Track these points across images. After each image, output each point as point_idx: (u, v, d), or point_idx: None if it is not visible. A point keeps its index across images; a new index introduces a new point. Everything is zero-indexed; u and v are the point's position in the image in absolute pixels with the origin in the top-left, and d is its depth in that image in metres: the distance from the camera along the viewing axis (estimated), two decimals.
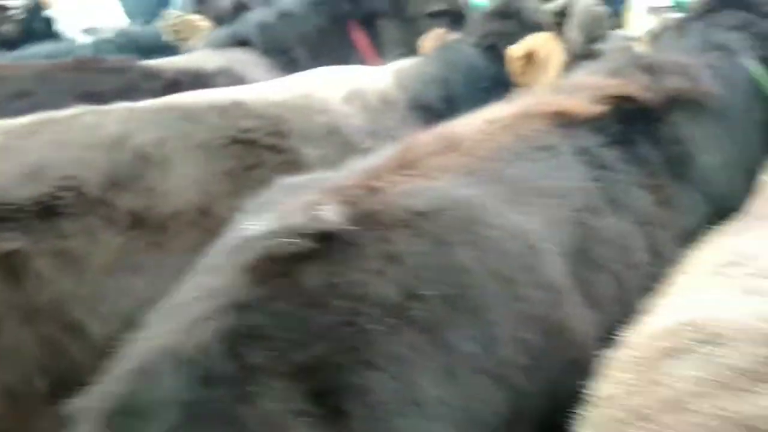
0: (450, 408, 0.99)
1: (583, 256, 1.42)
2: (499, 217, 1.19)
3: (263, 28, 3.35)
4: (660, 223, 1.67)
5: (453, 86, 2.64)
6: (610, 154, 1.70)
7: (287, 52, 3.30)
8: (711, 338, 0.80)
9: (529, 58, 2.59)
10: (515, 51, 2.59)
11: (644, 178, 1.72)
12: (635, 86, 1.86)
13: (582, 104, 1.76)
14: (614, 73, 1.93)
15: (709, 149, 1.92)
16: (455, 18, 3.38)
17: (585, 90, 1.83)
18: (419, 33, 3.17)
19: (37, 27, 4.93)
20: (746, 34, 2.27)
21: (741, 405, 0.71)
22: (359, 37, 3.37)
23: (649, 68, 1.95)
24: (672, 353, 0.85)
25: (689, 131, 1.89)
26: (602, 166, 1.65)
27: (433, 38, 3.01)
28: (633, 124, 1.79)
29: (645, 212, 1.66)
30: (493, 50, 2.78)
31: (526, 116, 1.67)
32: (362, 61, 3.26)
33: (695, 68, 2.03)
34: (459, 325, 1.05)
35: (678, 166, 1.83)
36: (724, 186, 1.90)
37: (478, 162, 1.37)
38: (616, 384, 0.86)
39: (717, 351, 0.78)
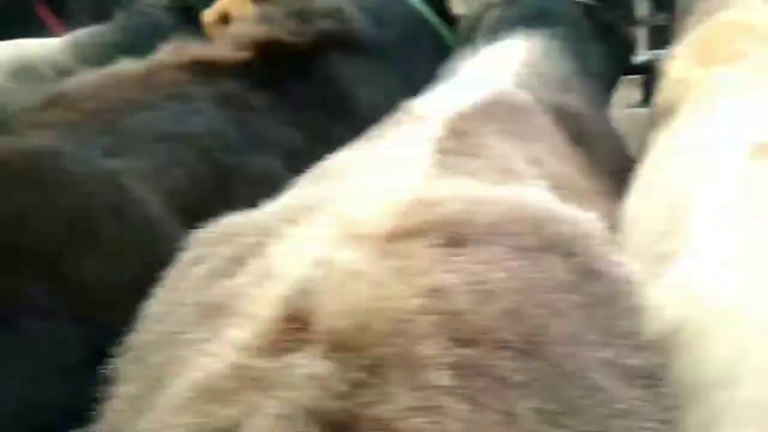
0: None
1: (223, 194, 1.44)
2: (84, 164, 1.16)
3: None
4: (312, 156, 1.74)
5: (136, 52, 2.54)
6: (256, 97, 1.73)
7: None
8: None
9: (224, 20, 2.56)
10: (209, 14, 2.54)
11: (294, 117, 1.77)
12: (283, 31, 1.91)
13: (225, 52, 1.77)
14: (263, 20, 1.96)
15: (366, 86, 2.03)
16: None
17: (230, 38, 1.84)
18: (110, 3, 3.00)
19: None
20: None
21: None
22: (43, 11, 3.12)
23: (299, 13, 2.01)
24: None
25: (342, 70, 1.98)
26: (246, 109, 1.68)
27: None
28: (280, 67, 1.84)
29: (295, 148, 1.71)
30: (189, 13, 2.71)
31: (162, 67, 1.64)
32: (50, 35, 3.02)
33: (347, 10, 2.13)
34: None
35: (333, 104, 1.91)
36: None
37: (84, 115, 1.31)
38: None
39: None
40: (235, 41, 1.85)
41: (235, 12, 2.50)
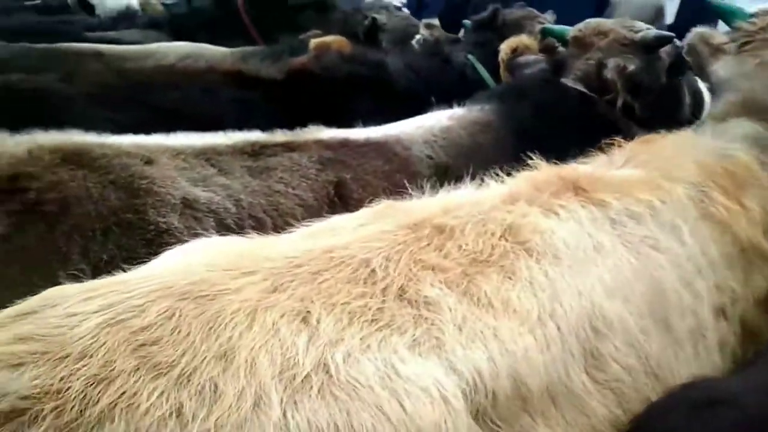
0: None
1: None
2: None
3: (173, 17, 4.31)
4: None
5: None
6: (269, 105, 2.51)
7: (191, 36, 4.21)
8: None
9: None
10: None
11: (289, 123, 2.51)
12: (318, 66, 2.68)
13: (269, 70, 2.60)
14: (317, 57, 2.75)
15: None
16: (320, 9, 4.23)
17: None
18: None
19: None
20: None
21: None
22: (250, 28, 4.26)
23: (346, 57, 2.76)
24: None
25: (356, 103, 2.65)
26: (259, 111, 2.47)
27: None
28: (302, 89, 2.60)
29: None
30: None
31: (219, 71, 2.51)
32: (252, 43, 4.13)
33: (388, 64, 2.82)
34: None
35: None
36: None
37: None
38: None
39: None
40: (287, 66, 2.66)
41: (335, 45, 3.29)
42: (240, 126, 2.07)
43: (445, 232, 1.24)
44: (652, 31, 2.52)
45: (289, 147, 1.77)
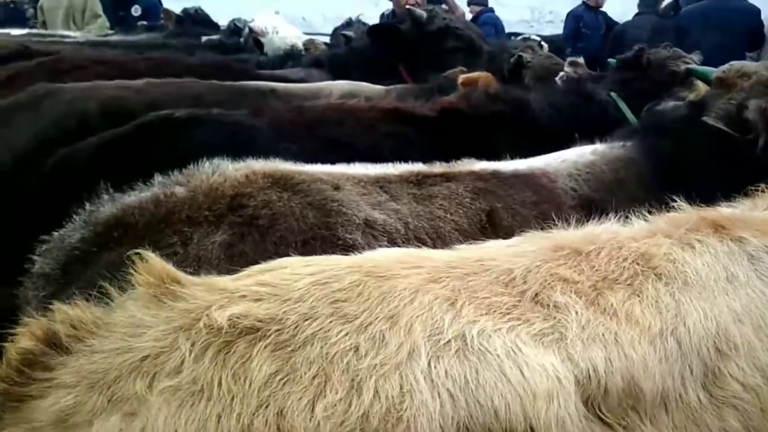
0: None
1: None
2: None
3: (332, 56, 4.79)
4: None
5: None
6: (422, 139, 2.79)
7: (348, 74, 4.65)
8: None
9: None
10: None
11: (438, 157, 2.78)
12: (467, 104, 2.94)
13: (422, 107, 2.89)
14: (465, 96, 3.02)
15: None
16: (469, 53, 4.51)
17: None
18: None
19: None
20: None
21: None
22: (402, 69, 4.64)
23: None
24: None
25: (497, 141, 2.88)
26: (409, 145, 2.76)
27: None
28: (452, 126, 2.86)
29: None
30: None
31: (376, 107, 2.84)
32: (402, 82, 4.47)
33: (531, 103, 3.03)
34: None
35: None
36: None
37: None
38: None
39: None
40: (437, 104, 2.95)
41: (482, 81, 3.53)
42: (396, 158, 2.36)
43: (581, 254, 1.44)
44: None
45: (446, 177, 2.03)
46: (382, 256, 1.39)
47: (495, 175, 2.12)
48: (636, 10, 8.52)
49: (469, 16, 11.23)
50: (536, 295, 1.33)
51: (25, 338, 1.20)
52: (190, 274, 1.29)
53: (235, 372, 1.15)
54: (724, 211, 1.67)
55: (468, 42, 4.73)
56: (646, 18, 8.07)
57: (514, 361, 1.21)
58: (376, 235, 1.73)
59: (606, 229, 1.57)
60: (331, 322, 1.20)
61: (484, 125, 2.88)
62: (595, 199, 2.18)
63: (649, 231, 1.55)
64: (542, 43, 3.86)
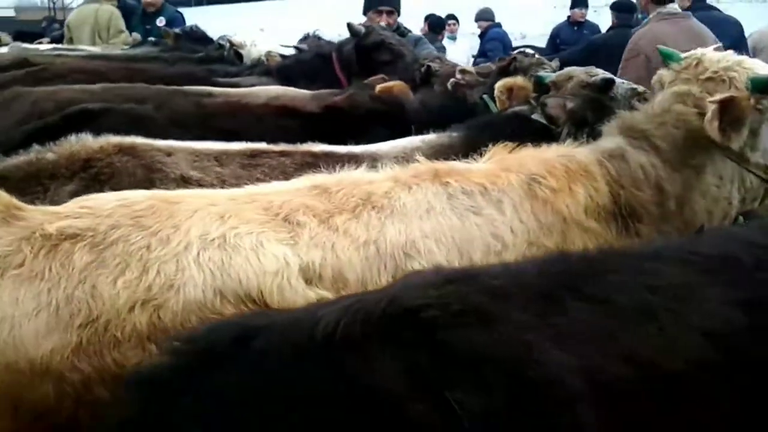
0: None
1: None
2: None
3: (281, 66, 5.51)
4: None
5: None
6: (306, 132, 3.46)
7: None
8: None
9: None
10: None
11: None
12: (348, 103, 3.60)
13: (310, 105, 3.56)
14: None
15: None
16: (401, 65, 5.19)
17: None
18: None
19: None
20: None
21: None
22: (340, 73, 5.34)
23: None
24: None
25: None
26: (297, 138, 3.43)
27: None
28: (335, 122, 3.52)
29: None
30: None
31: (277, 106, 3.52)
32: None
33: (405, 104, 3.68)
34: None
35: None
36: None
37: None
38: None
39: None
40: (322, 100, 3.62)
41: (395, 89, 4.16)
42: None
43: (328, 192, 2.09)
44: (601, 76, 3.19)
45: (283, 153, 2.68)
46: (179, 191, 2.05)
47: (328, 154, 2.77)
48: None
49: (477, 31, 11.78)
50: (286, 216, 1.98)
51: None
52: None
53: (62, 262, 1.72)
54: (451, 163, 2.32)
55: (399, 55, 5.41)
56: (621, 32, 7.87)
57: (256, 252, 1.86)
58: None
59: (359, 174, 2.22)
60: (131, 229, 1.80)
61: (362, 121, 3.54)
62: None
63: (386, 176, 2.20)
64: (535, 54, 4.45)
